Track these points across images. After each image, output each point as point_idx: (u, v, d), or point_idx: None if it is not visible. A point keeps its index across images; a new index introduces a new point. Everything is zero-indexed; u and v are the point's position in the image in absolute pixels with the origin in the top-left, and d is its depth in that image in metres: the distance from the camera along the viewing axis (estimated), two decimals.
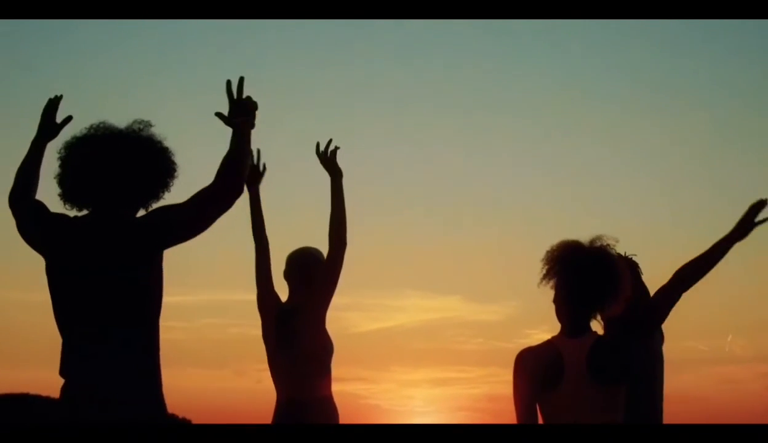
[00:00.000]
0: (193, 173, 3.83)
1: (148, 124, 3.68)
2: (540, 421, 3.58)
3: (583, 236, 3.69)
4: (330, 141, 4.99)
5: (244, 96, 3.61)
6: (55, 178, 3.67)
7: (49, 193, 3.68)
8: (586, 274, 3.57)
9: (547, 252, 3.68)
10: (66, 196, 3.64)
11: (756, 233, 4.00)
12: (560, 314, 3.63)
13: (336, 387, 4.89)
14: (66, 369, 3.51)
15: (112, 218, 3.56)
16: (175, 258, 3.62)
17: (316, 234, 5.10)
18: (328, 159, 4.97)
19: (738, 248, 3.99)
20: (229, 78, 3.61)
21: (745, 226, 3.95)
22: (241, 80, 3.61)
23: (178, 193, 3.71)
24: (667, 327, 4.54)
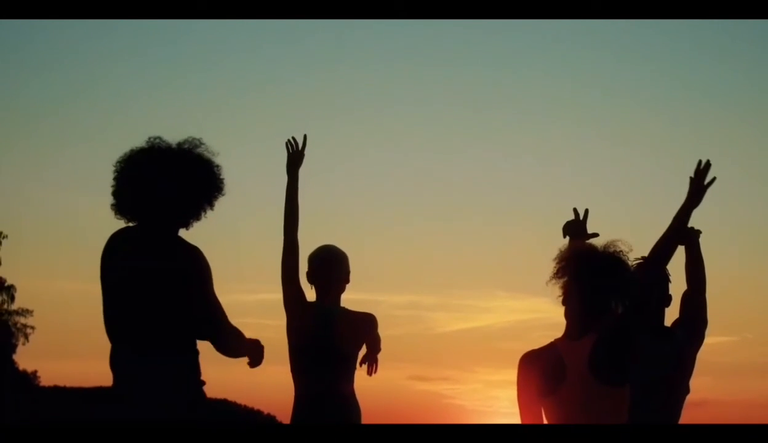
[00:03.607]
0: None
1: (199, 142, 3.85)
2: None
3: None
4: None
5: None
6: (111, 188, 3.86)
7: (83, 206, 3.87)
8: (596, 278, 3.57)
9: (561, 251, 3.68)
10: (117, 208, 3.84)
11: None
12: (567, 314, 3.63)
13: (421, 387, 5.08)
14: (121, 372, 3.75)
15: (158, 235, 3.78)
16: (264, 256, 3.79)
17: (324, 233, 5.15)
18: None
19: None
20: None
21: (697, 192, 3.90)
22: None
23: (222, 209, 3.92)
24: (757, 331, 4.47)
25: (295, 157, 5.09)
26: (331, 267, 5.05)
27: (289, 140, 5.11)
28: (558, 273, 3.64)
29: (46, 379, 36.54)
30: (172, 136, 3.86)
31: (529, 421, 3.57)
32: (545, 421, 3.58)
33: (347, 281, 5.10)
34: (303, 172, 5.10)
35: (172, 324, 3.72)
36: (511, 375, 3.65)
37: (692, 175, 3.90)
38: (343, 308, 5.09)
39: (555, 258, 3.68)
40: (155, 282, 3.71)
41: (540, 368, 3.57)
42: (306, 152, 5.11)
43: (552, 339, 3.63)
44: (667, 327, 4.82)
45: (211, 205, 3.87)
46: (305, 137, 5.13)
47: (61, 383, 36.45)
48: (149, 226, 3.80)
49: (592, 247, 3.69)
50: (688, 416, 4.79)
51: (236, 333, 3.90)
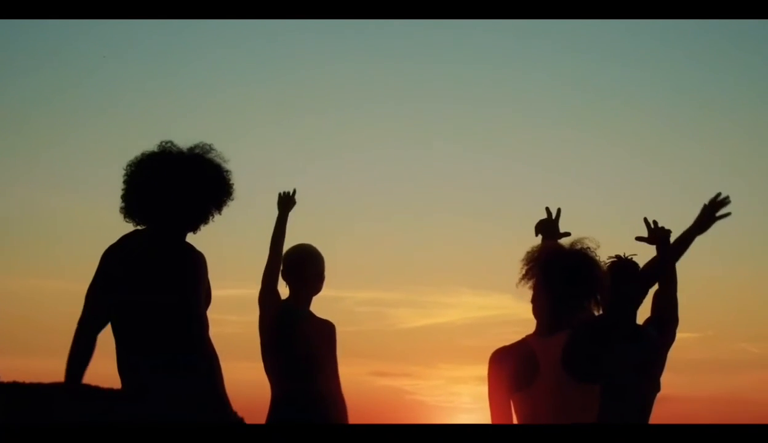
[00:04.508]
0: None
1: (210, 147, 3.89)
2: (514, 421, 3.59)
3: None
4: None
5: None
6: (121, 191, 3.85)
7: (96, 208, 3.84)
8: (565, 275, 3.58)
9: (528, 252, 3.70)
10: (126, 210, 3.84)
11: None
12: (537, 313, 3.64)
13: (383, 382, 5.05)
14: (134, 381, 3.71)
15: (168, 240, 3.78)
16: (229, 250, 3.75)
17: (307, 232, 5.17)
18: None
19: None
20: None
21: (705, 221, 3.92)
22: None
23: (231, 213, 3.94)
24: (719, 329, 4.50)
25: (286, 200, 5.20)
26: (305, 266, 5.10)
27: (281, 192, 5.20)
28: (527, 275, 3.66)
29: (5, 375, 36.29)
30: (158, 136, 3.87)
31: (499, 417, 3.58)
32: (515, 417, 3.59)
33: (322, 280, 5.14)
34: (267, 168, 5.20)
35: (180, 328, 3.71)
36: (473, 371, 3.67)
37: (706, 203, 3.90)
38: (310, 311, 5.12)
39: (523, 259, 3.69)
40: (163, 289, 3.70)
41: (512, 364, 3.57)
42: (274, 153, 5.21)
43: (519, 336, 3.63)
44: (639, 326, 4.81)
45: (220, 210, 3.91)
46: (294, 191, 5.21)
47: (20, 379, 36.24)
48: (159, 230, 3.80)
49: (560, 246, 3.71)
50: (654, 412, 4.83)
51: (216, 357, 3.85)
